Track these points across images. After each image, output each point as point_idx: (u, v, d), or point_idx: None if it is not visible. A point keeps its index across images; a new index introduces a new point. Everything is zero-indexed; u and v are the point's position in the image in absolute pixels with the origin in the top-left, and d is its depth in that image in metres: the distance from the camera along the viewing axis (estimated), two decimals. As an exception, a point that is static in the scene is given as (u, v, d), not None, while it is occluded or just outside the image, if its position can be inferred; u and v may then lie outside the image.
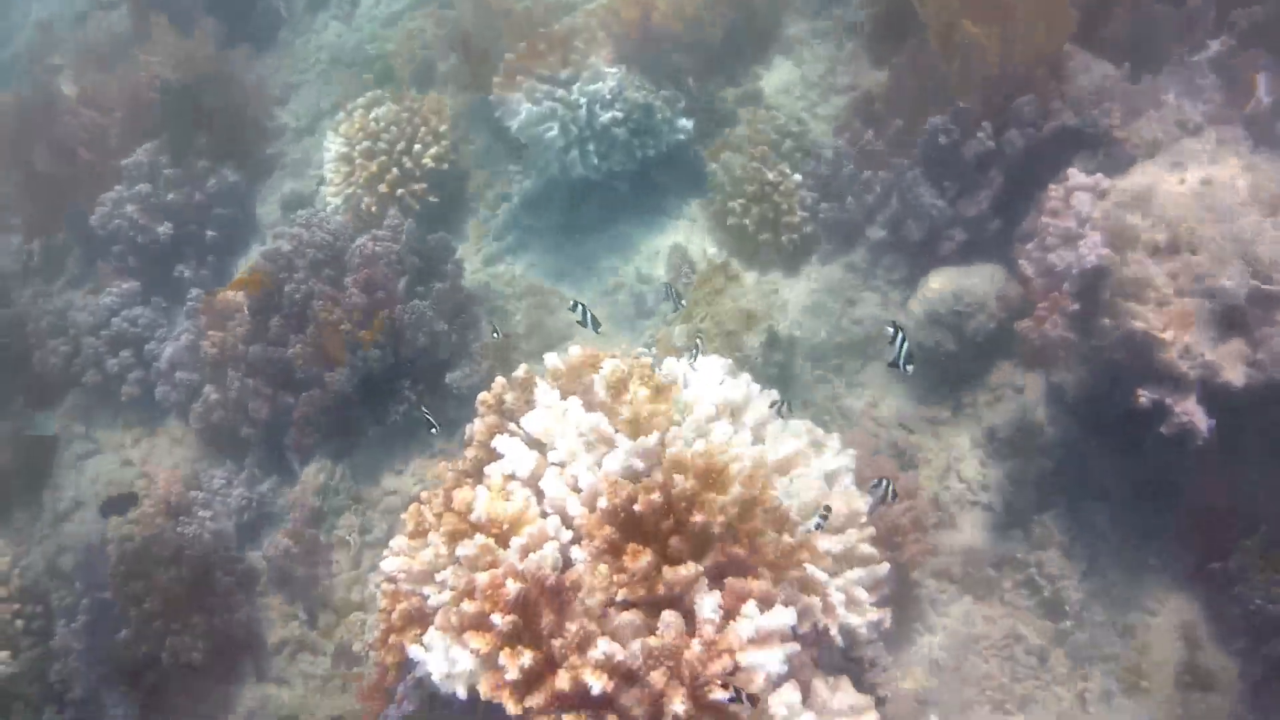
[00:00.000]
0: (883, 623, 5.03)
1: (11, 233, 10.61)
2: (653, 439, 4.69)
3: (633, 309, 7.96)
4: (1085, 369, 5.90)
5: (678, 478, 4.39)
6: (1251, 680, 5.61)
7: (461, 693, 4.39)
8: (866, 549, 5.10)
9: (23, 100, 10.53)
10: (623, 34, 7.83)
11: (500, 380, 5.23)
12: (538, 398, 4.93)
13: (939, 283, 6.76)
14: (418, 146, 8.37)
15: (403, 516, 5.25)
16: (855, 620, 4.90)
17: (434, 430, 5.20)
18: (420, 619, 4.97)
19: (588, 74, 7.72)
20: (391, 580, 5.06)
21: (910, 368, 5.13)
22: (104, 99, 10.02)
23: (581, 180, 8.04)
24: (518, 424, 5.03)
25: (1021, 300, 6.46)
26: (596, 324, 5.69)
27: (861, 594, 4.96)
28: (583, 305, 5.67)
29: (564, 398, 4.95)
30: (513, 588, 4.14)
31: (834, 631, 4.78)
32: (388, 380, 7.70)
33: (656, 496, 4.35)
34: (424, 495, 5.12)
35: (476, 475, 5.12)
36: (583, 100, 7.66)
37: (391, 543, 5.13)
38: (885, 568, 5.11)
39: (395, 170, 8.34)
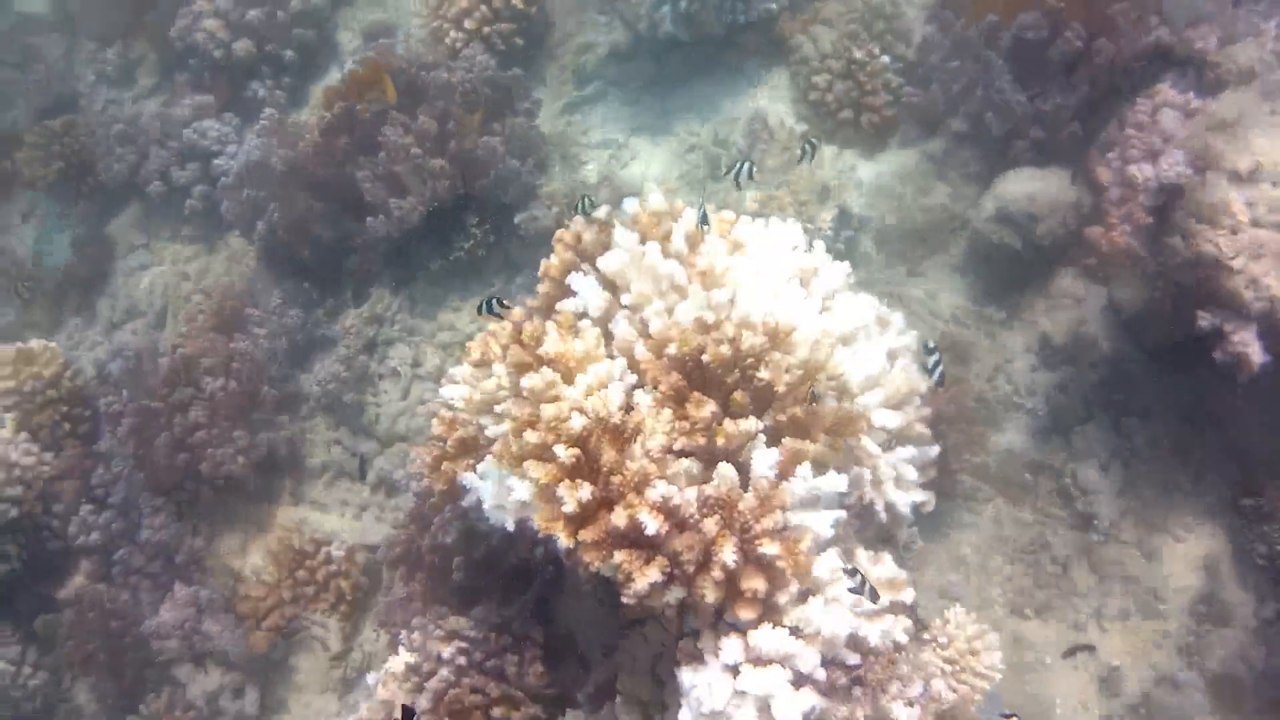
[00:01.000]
0: (926, 505, 4.98)
1: (88, 40, 10.46)
2: (725, 293, 4.60)
3: (705, 170, 7.80)
4: (1146, 286, 5.91)
5: (746, 334, 4.28)
6: (1264, 619, 5.69)
7: (510, 525, 4.36)
8: (920, 429, 5.03)
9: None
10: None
11: (579, 219, 5.11)
12: (616, 239, 4.79)
13: (1015, 182, 6.68)
14: (508, -16, 8.15)
15: (467, 345, 5.17)
16: (900, 498, 4.85)
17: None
18: (475, 449, 4.93)
19: (689, -74, 7.45)
20: (448, 407, 5.00)
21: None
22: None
23: (668, 37, 7.80)
24: (593, 264, 4.91)
25: (1092, 209, 6.45)
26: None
27: (910, 472, 4.91)
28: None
29: (642, 243, 4.81)
30: (577, 422, 4.06)
31: (879, 506, 4.75)
32: (454, 214, 7.58)
33: (725, 349, 4.25)
34: (493, 326, 5.04)
35: (546, 310, 5.03)
36: (682, -47, 7.40)
37: (452, 370, 5.06)
38: (935, 449, 5.05)
39: (484, 8, 8.12)
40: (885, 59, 7.49)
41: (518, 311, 5.05)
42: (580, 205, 5.07)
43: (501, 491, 4.36)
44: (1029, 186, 6.62)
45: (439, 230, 7.61)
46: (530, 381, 4.35)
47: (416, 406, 7.54)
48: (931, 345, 5.01)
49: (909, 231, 7.20)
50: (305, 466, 7.79)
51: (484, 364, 4.88)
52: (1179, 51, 6.44)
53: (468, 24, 8.14)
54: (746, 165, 5.47)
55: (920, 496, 4.94)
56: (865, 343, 5.03)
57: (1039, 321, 6.73)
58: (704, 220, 4.91)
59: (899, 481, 4.85)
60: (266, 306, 7.99)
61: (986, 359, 6.75)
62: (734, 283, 4.72)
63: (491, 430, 4.75)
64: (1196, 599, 5.84)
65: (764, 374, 4.27)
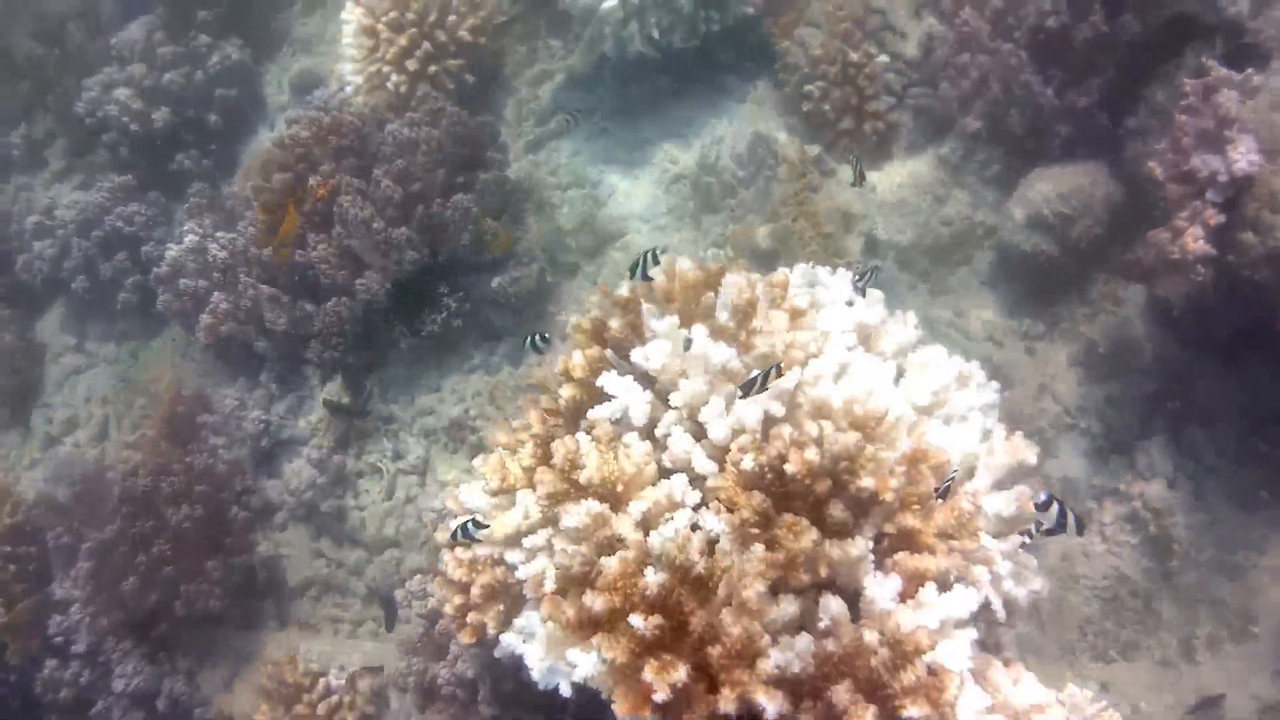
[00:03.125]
0: (1043, 592, 4.24)
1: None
2: (791, 378, 3.79)
3: (697, 203, 7.00)
4: (1195, 282, 5.27)
5: (827, 427, 3.49)
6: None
7: (567, 690, 3.57)
8: (1030, 508, 4.26)
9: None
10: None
11: (599, 299, 4.27)
12: (654, 327, 3.96)
13: (1044, 182, 6.05)
14: (452, 17, 7.24)
15: (480, 464, 4.36)
16: (1020, 593, 4.10)
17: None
18: (503, 594, 4.11)
19: (651, -68, 6.63)
20: (463, 535, 4.18)
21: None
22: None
23: (636, 57, 6.98)
24: (625, 357, 4.08)
25: (1126, 203, 5.93)
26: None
27: (1030, 561, 4.16)
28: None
29: (683, 326, 3.98)
30: (653, 580, 3.23)
31: (997, 605, 4.00)
32: (422, 282, 6.72)
33: (813, 455, 3.45)
34: (504, 440, 4.20)
35: (572, 419, 4.18)
36: (646, -36, 6.58)
37: (462, 494, 4.24)
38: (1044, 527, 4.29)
39: (427, 44, 7.22)
40: (884, 59, 6.72)
41: (534, 415, 4.22)
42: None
43: (553, 656, 3.54)
44: (1060, 186, 5.99)
45: (407, 303, 6.75)
46: (575, 520, 3.54)
47: (404, 507, 6.70)
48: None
49: (930, 247, 6.52)
50: (287, 584, 6.90)
51: (504, 491, 4.05)
52: (1203, 20, 5.80)
53: (410, 65, 7.25)
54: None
55: (1038, 584, 4.21)
56: (955, 405, 4.28)
57: (1081, 330, 6.17)
58: (643, 270, 4.10)
59: (1019, 576, 4.09)
60: (222, 409, 7.09)
61: (1029, 378, 6.16)
62: (799, 360, 3.91)
63: (523, 571, 3.93)
64: (1291, 616, 5.30)
65: (867, 482, 3.47)
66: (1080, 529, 4.08)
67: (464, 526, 4.14)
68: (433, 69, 7.27)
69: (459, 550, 4.18)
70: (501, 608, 4.07)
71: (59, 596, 6.98)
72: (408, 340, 6.80)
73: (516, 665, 4.32)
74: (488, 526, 4.10)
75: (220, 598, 6.55)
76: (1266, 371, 5.50)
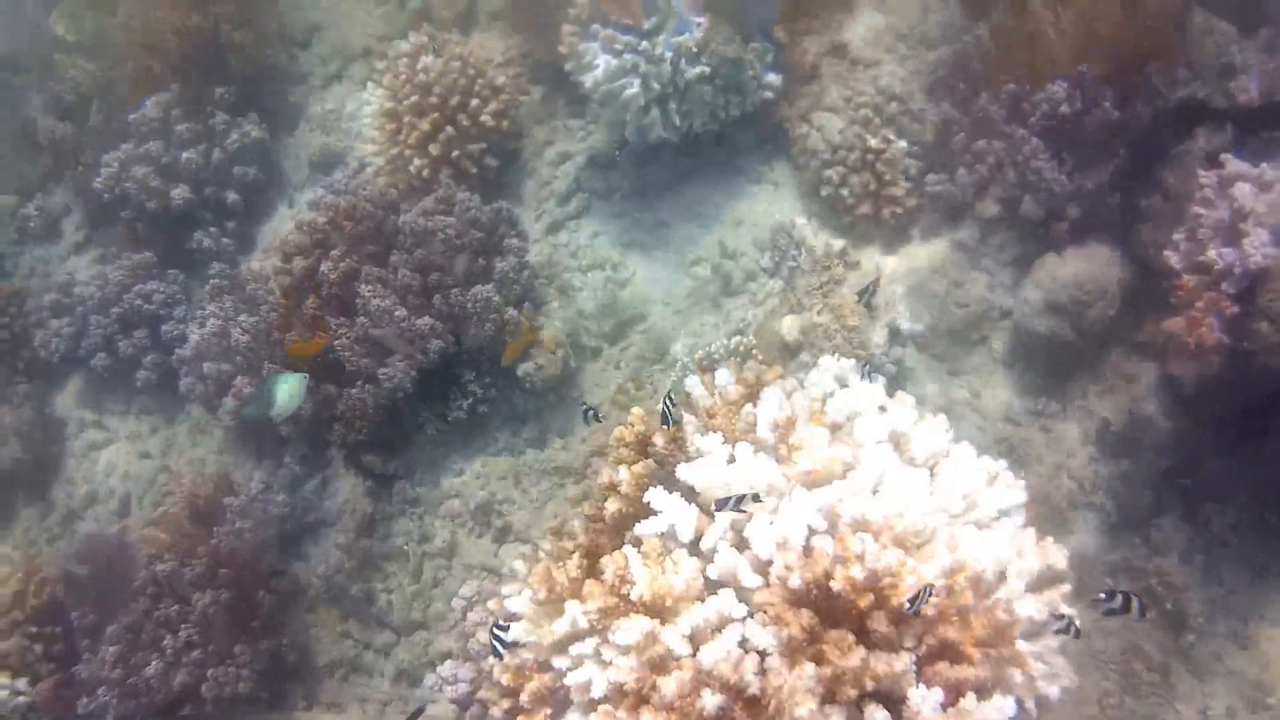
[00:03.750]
0: (1071, 687, 4.34)
1: (3, 194, 9.59)
2: (832, 493, 3.88)
3: (716, 287, 7.10)
4: (1208, 364, 5.41)
5: (869, 543, 3.59)
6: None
7: (620, 805, 3.62)
8: (1065, 609, 4.37)
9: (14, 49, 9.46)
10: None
11: (638, 413, 4.36)
12: (700, 445, 4.05)
13: (1059, 266, 6.14)
14: (474, 102, 7.33)
15: (515, 565, 4.45)
16: (1053, 691, 4.19)
17: (594, 416, 4.69)
18: (550, 698, 4.18)
19: (673, 23, 6.74)
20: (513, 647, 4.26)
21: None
22: (107, 45, 8.88)
23: (657, 141, 7.09)
24: (667, 470, 4.17)
25: (1138, 284, 6.04)
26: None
27: (1061, 662, 4.26)
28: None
29: (727, 442, 4.08)
30: (711, 702, 3.31)
31: (1031, 706, 4.10)
32: (448, 369, 6.80)
33: (858, 573, 3.54)
34: (551, 549, 4.29)
35: (616, 530, 4.27)
36: (667, 53, 6.69)
37: (508, 604, 4.31)
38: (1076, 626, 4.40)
39: (450, 129, 7.32)
40: (902, 144, 6.83)
41: (577, 524, 4.30)
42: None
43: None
44: (1074, 270, 6.07)
45: (432, 388, 6.82)
46: (626, 637, 3.61)
47: (431, 589, 6.76)
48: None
49: (947, 330, 6.60)
50: (315, 665, 6.95)
51: (552, 600, 4.13)
52: (1212, 104, 5.94)
53: (433, 149, 7.33)
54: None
55: (1068, 681, 4.32)
56: (984, 507, 4.37)
57: (1093, 408, 6.24)
58: (666, 415, 4.25)
59: (1050, 676, 4.19)
60: (246, 490, 7.13)
61: (1046, 456, 6.24)
62: (837, 474, 4.00)
63: (572, 679, 4.00)
64: (1306, 685, 5.34)
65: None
66: (1142, 612, 4.27)
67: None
68: (455, 153, 7.36)
69: (507, 658, 4.26)
70: (549, 711, 4.15)
71: (84, 677, 6.97)
72: (435, 425, 6.86)
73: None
74: (506, 629, 4.22)
75: (248, 680, 6.57)
76: (1277, 448, 5.59)
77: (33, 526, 8.43)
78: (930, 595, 3.62)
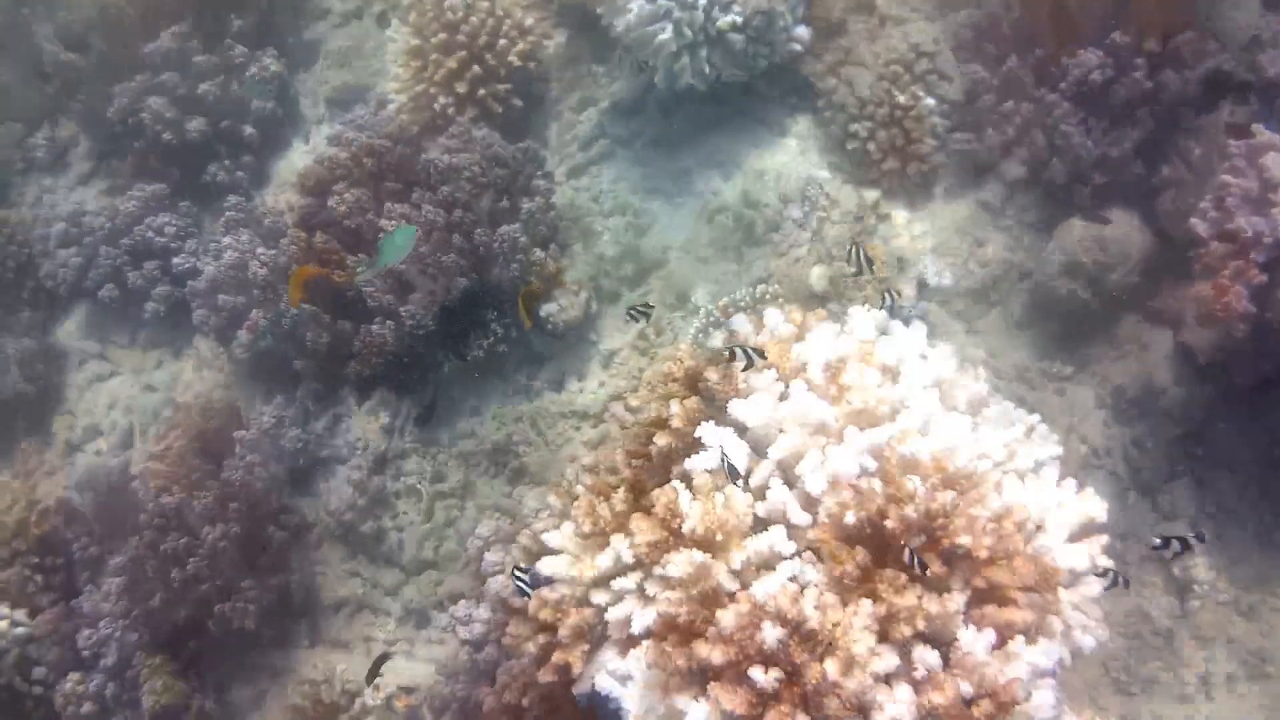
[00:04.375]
0: (1105, 642, 4.37)
1: (10, 122, 9.43)
2: (882, 433, 3.87)
3: (739, 236, 7.02)
4: (1226, 333, 5.46)
5: (921, 486, 3.58)
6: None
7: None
8: (1103, 560, 4.39)
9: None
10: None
11: (686, 347, 4.34)
12: (754, 382, 4.02)
13: (1082, 230, 6.13)
14: (502, 41, 7.25)
15: (550, 499, 4.41)
16: (1087, 642, 4.22)
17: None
18: (589, 633, 4.16)
19: (708, -31, 6.67)
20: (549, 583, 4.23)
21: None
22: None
23: (685, 89, 7.02)
24: (718, 407, 4.15)
25: (1157, 251, 6.07)
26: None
27: (1095, 611, 4.29)
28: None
29: (781, 380, 4.06)
30: (772, 634, 3.29)
31: (1066, 656, 4.13)
32: (468, 308, 6.73)
33: (912, 512, 3.52)
34: (590, 482, 4.25)
35: (662, 466, 4.24)
36: (701, 0, 6.62)
37: (545, 537, 4.29)
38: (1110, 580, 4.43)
39: (476, 67, 7.24)
40: (930, 102, 6.79)
41: (620, 458, 4.27)
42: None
43: (655, 704, 3.59)
44: (1098, 233, 6.08)
45: (451, 326, 6.76)
46: (678, 570, 3.58)
47: (444, 529, 6.72)
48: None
49: (967, 289, 6.59)
50: (321, 603, 6.92)
51: (597, 534, 4.10)
52: (1238, 77, 5.99)
53: (459, 87, 7.24)
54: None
55: (1103, 634, 4.34)
56: (1023, 458, 4.38)
57: (1108, 373, 6.27)
58: (747, 360, 4.20)
59: (1086, 627, 4.21)
60: (259, 425, 7.06)
61: (1059, 419, 6.19)
62: (888, 416, 3.99)
63: (613, 613, 3.98)
64: (1303, 657, 5.41)
65: (963, 540, 3.55)
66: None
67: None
68: (481, 92, 7.29)
69: (544, 591, 4.23)
70: (586, 647, 4.13)
71: (86, 609, 6.91)
72: (451, 364, 6.81)
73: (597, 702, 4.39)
74: (526, 571, 4.20)
75: (255, 617, 6.53)
76: None
77: (32, 457, 8.31)
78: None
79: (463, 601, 6.04)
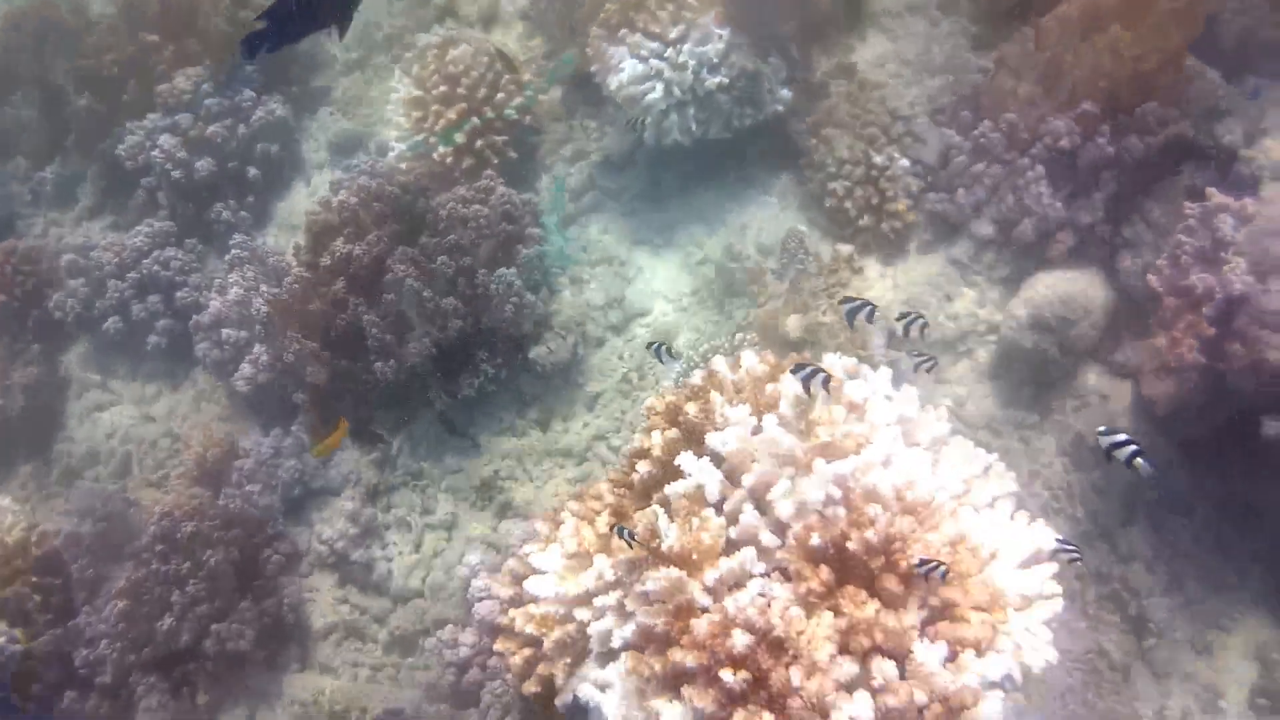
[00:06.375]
0: (1054, 662, 4.65)
1: (19, 156, 9.76)
2: (847, 465, 4.20)
3: (720, 286, 7.39)
4: (1181, 384, 5.76)
5: (881, 513, 3.91)
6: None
7: (645, 743, 3.91)
8: (1052, 586, 4.69)
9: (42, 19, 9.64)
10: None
11: (668, 387, 4.67)
12: (729, 415, 4.35)
13: (1047, 286, 6.49)
14: (500, 95, 7.65)
15: (538, 526, 4.72)
16: (1036, 660, 4.50)
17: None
18: (573, 649, 4.45)
19: (697, 34, 7.07)
20: (534, 600, 4.52)
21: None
22: (140, 17, 9.06)
23: (672, 145, 7.41)
24: (696, 439, 4.47)
25: (1119, 308, 6.42)
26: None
27: (1045, 634, 4.57)
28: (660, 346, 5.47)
29: (754, 415, 4.39)
30: (742, 640, 3.61)
31: (1016, 673, 4.41)
32: (462, 349, 7.06)
33: (872, 536, 3.85)
34: (576, 508, 4.56)
35: (643, 493, 4.56)
36: (690, 62, 7.02)
37: (532, 559, 4.59)
38: (1061, 604, 4.71)
39: (476, 119, 7.63)
40: (905, 163, 7.18)
41: (604, 487, 4.59)
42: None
43: (631, 707, 3.88)
44: (1062, 290, 6.43)
45: (444, 366, 7.08)
46: (655, 585, 3.90)
47: (432, 560, 6.99)
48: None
49: (938, 341, 6.90)
50: (311, 628, 7.16)
51: (580, 555, 4.41)
52: (1199, 143, 6.34)
53: (458, 138, 7.64)
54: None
55: (1052, 655, 4.61)
56: (980, 493, 4.70)
57: (1070, 422, 6.53)
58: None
59: (1035, 648, 4.50)
60: (257, 455, 7.35)
61: (1022, 465, 6.49)
62: (852, 449, 4.32)
63: (595, 628, 4.27)
64: (1254, 691, 5.77)
65: (918, 559, 3.88)
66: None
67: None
68: (479, 143, 7.66)
69: (529, 607, 4.52)
70: (569, 660, 4.41)
71: (85, 628, 7.13)
72: (443, 402, 7.11)
73: (578, 714, 4.66)
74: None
75: (249, 639, 6.78)
76: (1240, 466, 5.86)
77: (30, 481, 8.57)
78: (939, 568, 3.94)
79: (449, 626, 6.31)
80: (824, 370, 4.43)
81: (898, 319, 5.62)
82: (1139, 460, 4.53)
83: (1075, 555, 4.63)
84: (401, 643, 7.01)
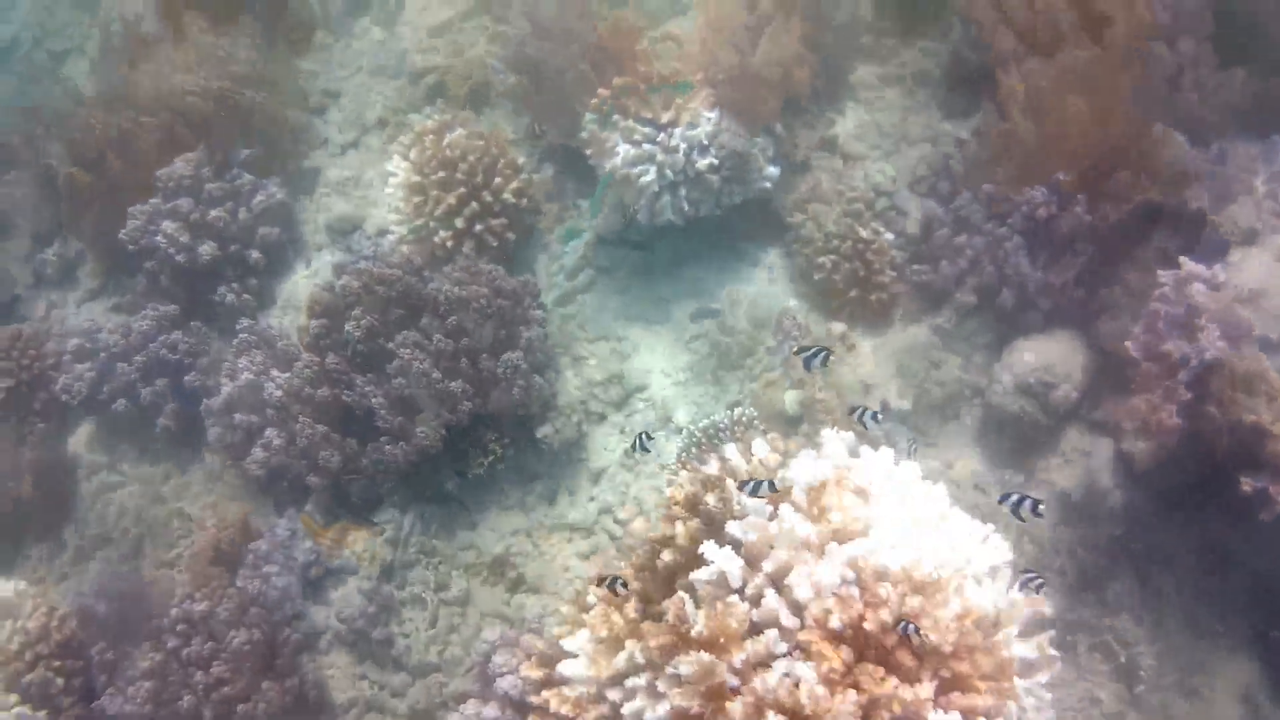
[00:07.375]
0: (1053, 720, 4.95)
1: (19, 237, 9.95)
2: (858, 547, 4.50)
3: (714, 361, 7.69)
4: (1160, 444, 6.02)
5: (894, 591, 4.19)
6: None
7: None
8: (1051, 652, 4.99)
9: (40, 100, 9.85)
10: (721, 77, 7.46)
11: (689, 475, 4.96)
12: (745, 506, 4.65)
13: (1029, 352, 6.83)
14: (497, 180, 7.93)
15: (563, 609, 4.96)
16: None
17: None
18: (604, 727, 4.71)
19: (687, 117, 7.39)
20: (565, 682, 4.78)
21: None
22: (133, 101, 9.30)
23: (666, 224, 7.71)
24: (714, 527, 4.77)
25: (1098, 369, 6.72)
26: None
27: (1046, 695, 4.88)
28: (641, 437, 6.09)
29: (770, 504, 4.69)
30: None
31: (1022, 733, 4.70)
32: (470, 430, 7.32)
33: (886, 615, 4.14)
34: (602, 595, 4.83)
35: (667, 580, 4.83)
36: (681, 145, 7.34)
37: (564, 643, 4.84)
38: (1058, 667, 5.02)
39: (474, 204, 7.90)
40: (889, 236, 7.51)
41: (629, 572, 4.85)
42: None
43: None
44: (1043, 356, 6.77)
45: (453, 446, 7.34)
46: (688, 668, 4.16)
47: (448, 635, 7.21)
48: None
49: (925, 406, 7.22)
50: (332, 704, 7.34)
51: (610, 640, 4.67)
52: (1169, 209, 6.63)
53: (458, 222, 7.90)
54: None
55: (1051, 715, 4.91)
56: (979, 562, 4.99)
57: (1054, 479, 6.83)
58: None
59: (1039, 709, 4.81)
60: (271, 536, 7.55)
61: (1010, 523, 6.58)
62: (861, 531, 4.62)
63: (628, 708, 4.54)
64: (1241, 733, 5.93)
65: (932, 638, 4.17)
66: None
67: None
68: (479, 227, 7.93)
69: (563, 690, 4.78)
70: (602, 740, 4.67)
71: (111, 711, 7.27)
72: (454, 481, 7.37)
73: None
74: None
75: (273, 717, 6.96)
76: (1219, 518, 6.15)
77: (42, 564, 8.71)
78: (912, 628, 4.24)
79: (471, 701, 6.51)
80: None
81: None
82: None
83: (1040, 580, 4.95)
84: (422, 717, 7.19)
